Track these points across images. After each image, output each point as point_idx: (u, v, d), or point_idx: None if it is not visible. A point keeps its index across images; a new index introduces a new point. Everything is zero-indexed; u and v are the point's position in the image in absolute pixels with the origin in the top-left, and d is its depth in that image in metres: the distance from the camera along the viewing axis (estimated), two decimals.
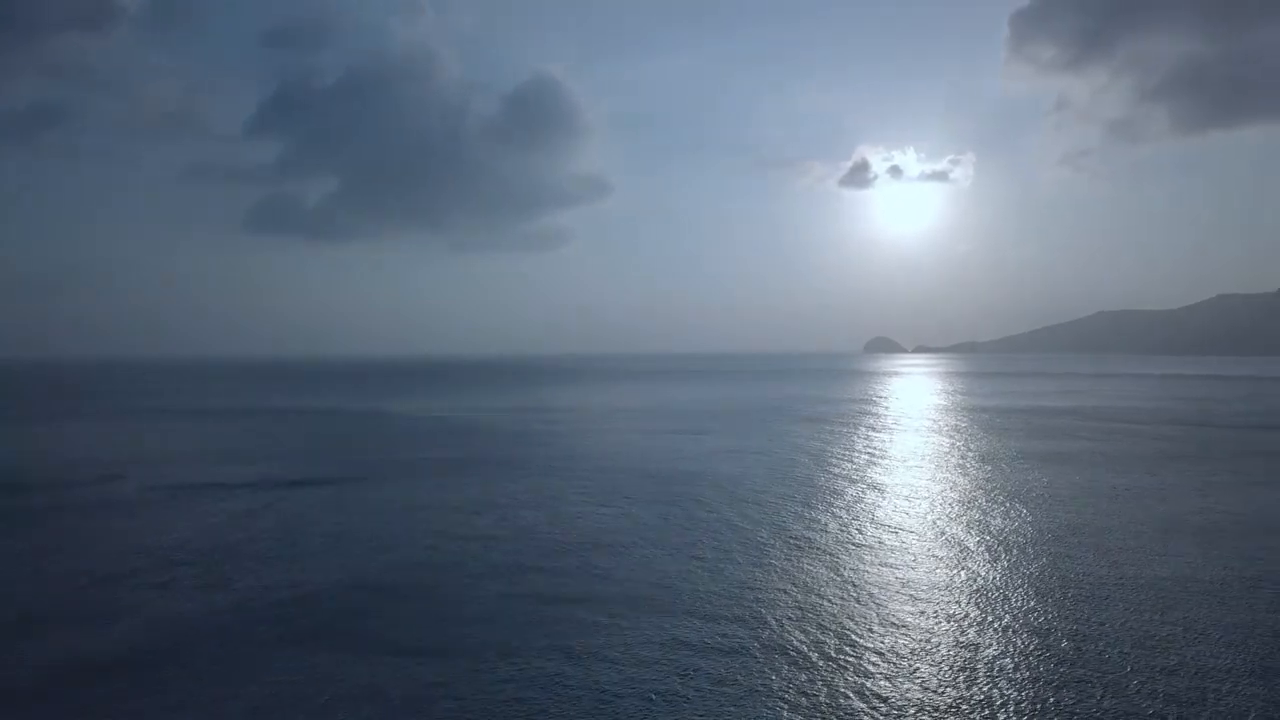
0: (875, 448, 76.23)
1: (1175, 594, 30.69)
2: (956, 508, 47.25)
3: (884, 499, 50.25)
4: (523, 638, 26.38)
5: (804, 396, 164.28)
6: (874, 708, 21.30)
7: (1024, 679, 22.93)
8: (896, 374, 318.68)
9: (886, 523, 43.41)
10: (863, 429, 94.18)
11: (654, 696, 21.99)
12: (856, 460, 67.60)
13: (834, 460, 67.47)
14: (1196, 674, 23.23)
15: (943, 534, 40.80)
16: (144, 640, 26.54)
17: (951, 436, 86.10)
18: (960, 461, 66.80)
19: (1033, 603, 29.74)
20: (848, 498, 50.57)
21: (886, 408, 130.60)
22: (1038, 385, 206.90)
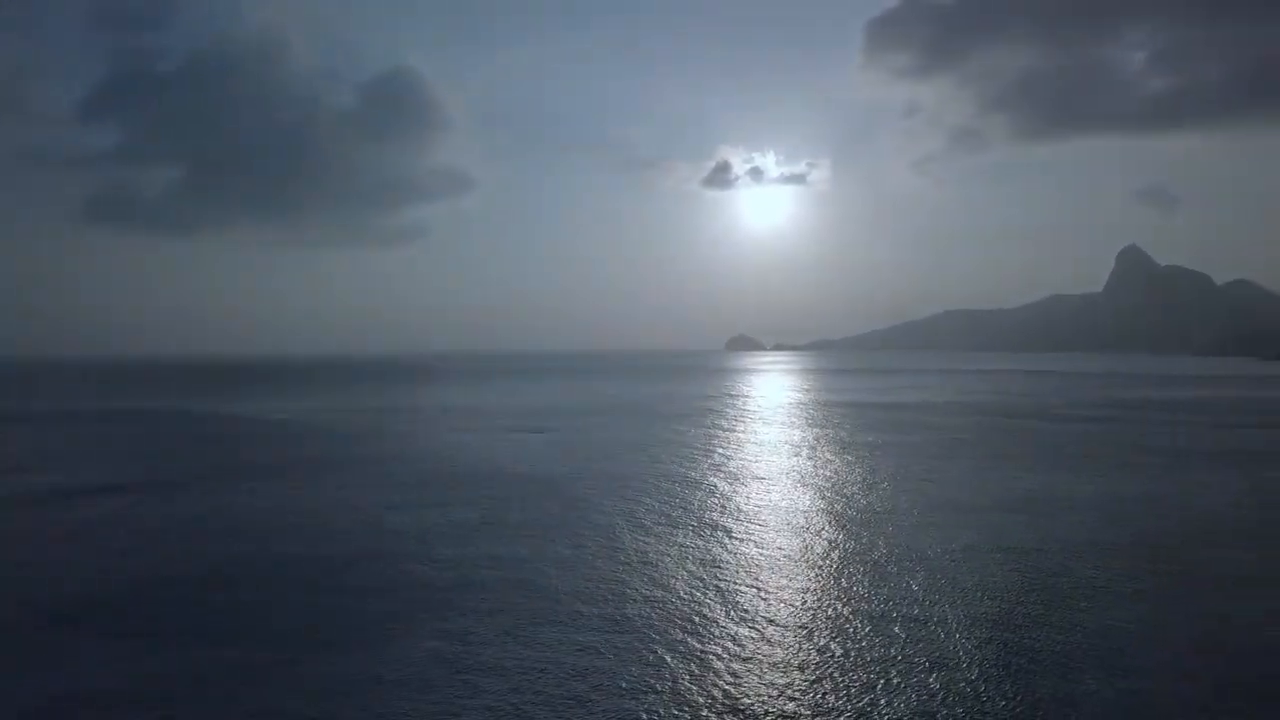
0: (713, 444, 79.31)
1: (950, 563, 34.29)
2: (775, 498, 50.37)
3: (708, 494, 52.82)
4: (323, 629, 27.26)
5: (658, 394, 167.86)
6: (686, 676, 23.17)
7: (835, 637, 25.57)
8: (754, 371, 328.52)
9: (706, 517, 45.82)
10: (706, 426, 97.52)
11: (438, 678, 23.28)
12: (692, 456, 70.33)
13: (667, 456, 70.00)
14: (984, 624, 26.45)
15: (756, 521, 43.52)
16: None
17: (788, 430, 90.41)
18: (789, 455, 70.66)
19: (842, 577, 32.74)
20: (669, 493, 52.82)
21: (736, 404, 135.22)
22: (880, 381, 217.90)
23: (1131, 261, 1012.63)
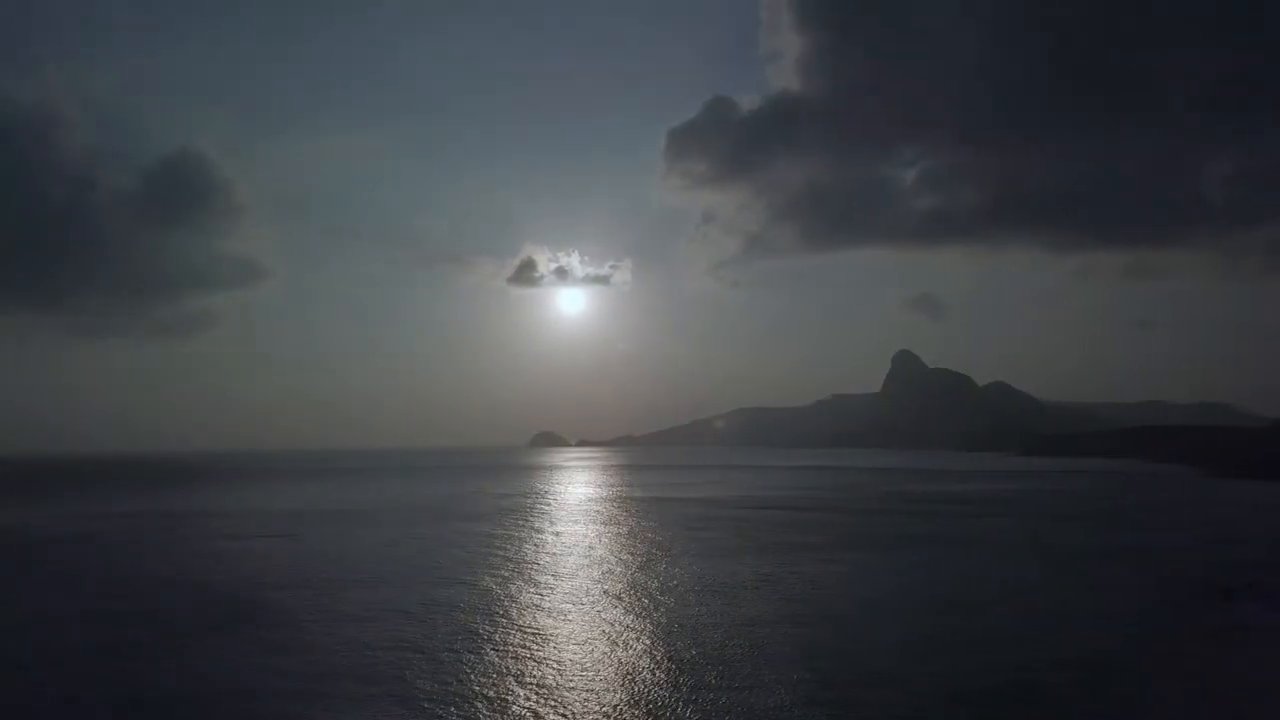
0: (467, 544, 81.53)
1: (639, 642, 38.81)
2: (485, 599, 54.57)
3: (434, 599, 55.15)
4: None
5: (439, 493, 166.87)
6: None
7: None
8: (554, 467, 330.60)
9: (412, 622, 47.99)
10: (474, 524, 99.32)
11: None
12: (438, 560, 72.28)
13: (417, 556, 71.76)
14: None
15: (460, 629, 46.89)
16: None
17: (544, 526, 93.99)
18: (526, 551, 74.36)
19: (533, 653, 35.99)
20: (377, 598, 54.29)
21: (518, 504, 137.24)
22: (666, 478, 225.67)
23: (904, 364, 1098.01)
